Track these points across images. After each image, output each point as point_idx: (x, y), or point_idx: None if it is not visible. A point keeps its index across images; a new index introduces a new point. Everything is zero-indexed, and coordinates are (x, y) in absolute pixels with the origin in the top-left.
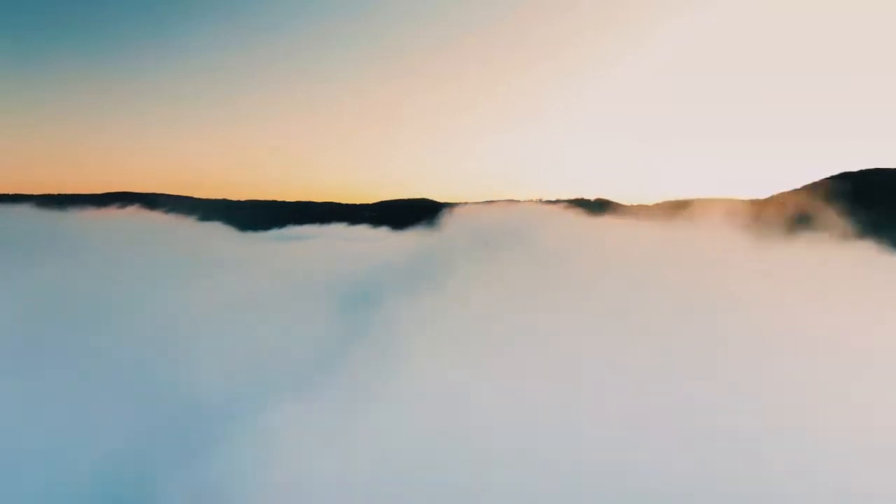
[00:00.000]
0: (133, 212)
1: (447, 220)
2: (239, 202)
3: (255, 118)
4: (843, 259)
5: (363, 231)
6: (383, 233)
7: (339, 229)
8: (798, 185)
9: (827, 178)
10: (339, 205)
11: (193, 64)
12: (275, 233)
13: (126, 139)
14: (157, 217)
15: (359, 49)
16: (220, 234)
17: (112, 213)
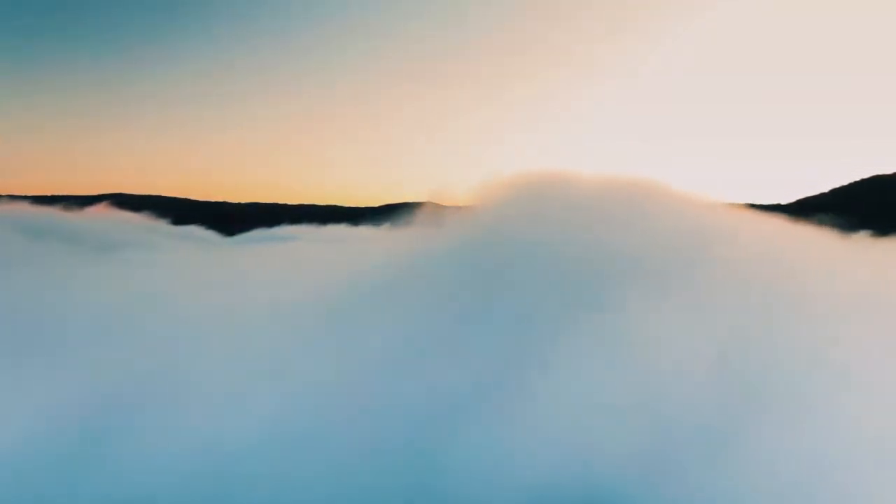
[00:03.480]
0: (100, 211)
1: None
2: (220, 203)
3: (255, 121)
4: None
5: (364, 232)
6: (384, 232)
7: (337, 230)
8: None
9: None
10: (341, 207)
11: (193, 66)
12: (259, 233)
13: (123, 143)
14: (126, 217)
15: (362, 51)
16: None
17: (64, 213)
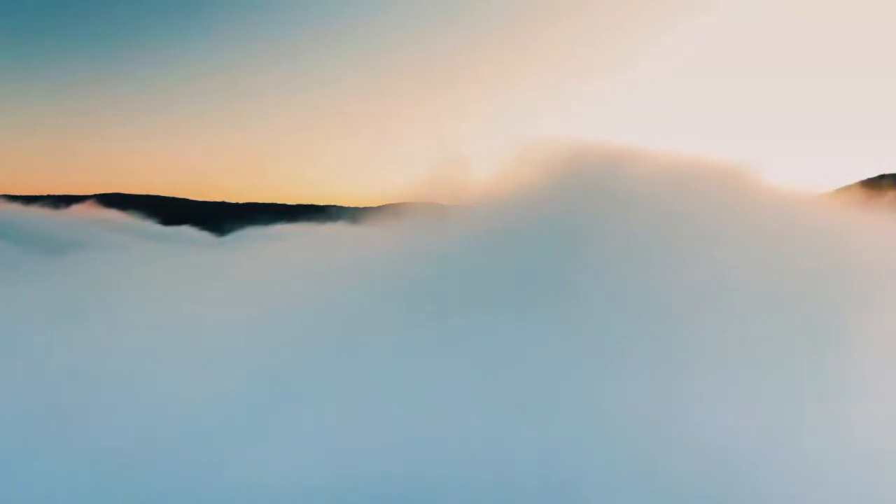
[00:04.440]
0: (83, 210)
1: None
2: (214, 203)
3: (252, 120)
4: None
5: (362, 231)
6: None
7: (335, 229)
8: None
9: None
10: (339, 206)
11: (189, 66)
12: (253, 232)
13: (115, 143)
14: (112, 216)
15: (361, 51)
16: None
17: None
